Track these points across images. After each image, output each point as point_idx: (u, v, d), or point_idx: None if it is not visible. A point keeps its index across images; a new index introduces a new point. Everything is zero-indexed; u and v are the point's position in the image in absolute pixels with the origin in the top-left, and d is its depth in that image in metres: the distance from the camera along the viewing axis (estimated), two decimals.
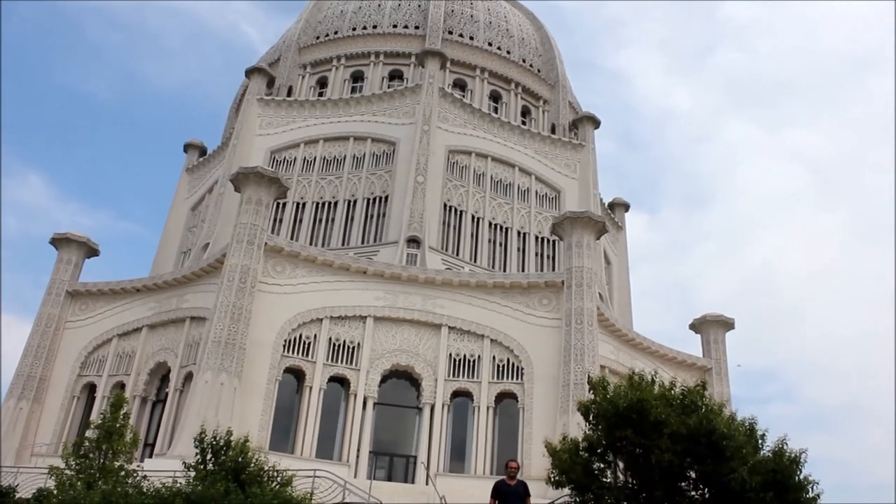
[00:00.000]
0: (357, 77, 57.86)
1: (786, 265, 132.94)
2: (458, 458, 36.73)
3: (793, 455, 18.19)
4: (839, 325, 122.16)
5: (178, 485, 20.06)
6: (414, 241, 45.26)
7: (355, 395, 36.54)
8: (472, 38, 59.56)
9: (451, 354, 38.18)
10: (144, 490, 20.16)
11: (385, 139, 50.88)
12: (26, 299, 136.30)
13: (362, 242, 47.13)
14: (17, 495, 25.84)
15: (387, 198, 48.32)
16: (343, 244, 47.16)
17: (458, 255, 47.46)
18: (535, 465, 32.56)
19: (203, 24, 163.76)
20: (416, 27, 59.00)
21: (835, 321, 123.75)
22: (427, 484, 33.89)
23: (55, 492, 21.14)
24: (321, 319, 37.75)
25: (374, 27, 59.57)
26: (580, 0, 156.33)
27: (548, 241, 50.78)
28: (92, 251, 45.67)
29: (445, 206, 48.60)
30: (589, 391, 21.13)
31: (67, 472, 22.03)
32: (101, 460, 22.92)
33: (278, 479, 21.07)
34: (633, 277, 60.55)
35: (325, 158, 51.38)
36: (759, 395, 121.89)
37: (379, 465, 36.40)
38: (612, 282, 57.14)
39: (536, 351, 38.01)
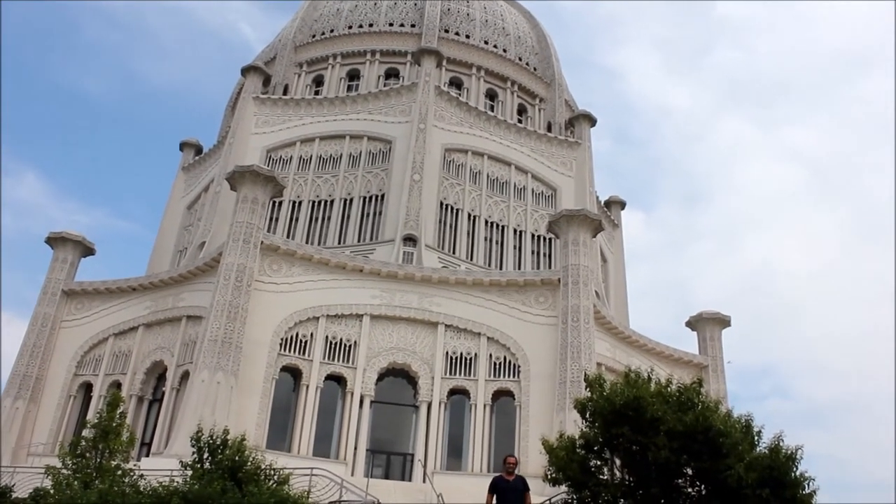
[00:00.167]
0: (353, 75, 57.81)
1: (783, 264, 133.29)
2: (455, 455, 36.75)
3: (789, 452, 18.20)
4: (836, 324, 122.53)
5: (175, 484, 20.02)
6: (410, 240, 45.27)
7: (352, 394, 36.55)
8: (468, 37, 59.55)
9: (447, 352, 38.20)
10: (141, 489, 20.09)
11: (381, 137, 50.86)
12: (22, 298, 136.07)
13: (358, 241, 47.13)
14: (14, 495, 25.77)
15: (383, 196, 48.32)
16: (339, 243, 47.14)
17: (454, 253, 47.49)
18: (531, 463, 32.56)
19: (200, 23, 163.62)
20: (413, 25, 58.97)
21: (832, 319, 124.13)
22: (424, 482, 33.95)
23: (52, 491, 21.08)
24: (318, 318, 37.75)
25: (371, 25, 59.52)
26: None
27: (544, 239, 50.81)
28: (88, 250, 45.62)
29: (442, 204, 48.61)
30: (585, 388, 21.11)
31: (64, 471, 21.95)
32: (98, 459, 22.84)
33: (275, 477, 21.02)
34: (629, 275, 60.69)
35: (321, 157, 51.35)
36: (755, 392, 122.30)
37: (376, 464, 36.39)
38: (609, 280, 57.21)
39: (533, 349, 38.05)
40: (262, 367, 35.62)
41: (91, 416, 34.10)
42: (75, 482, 21.06)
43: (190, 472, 20.75)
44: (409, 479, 35.53)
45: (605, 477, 19.65)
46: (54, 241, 44.82)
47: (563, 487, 20.29)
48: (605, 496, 18.91)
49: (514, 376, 37.89)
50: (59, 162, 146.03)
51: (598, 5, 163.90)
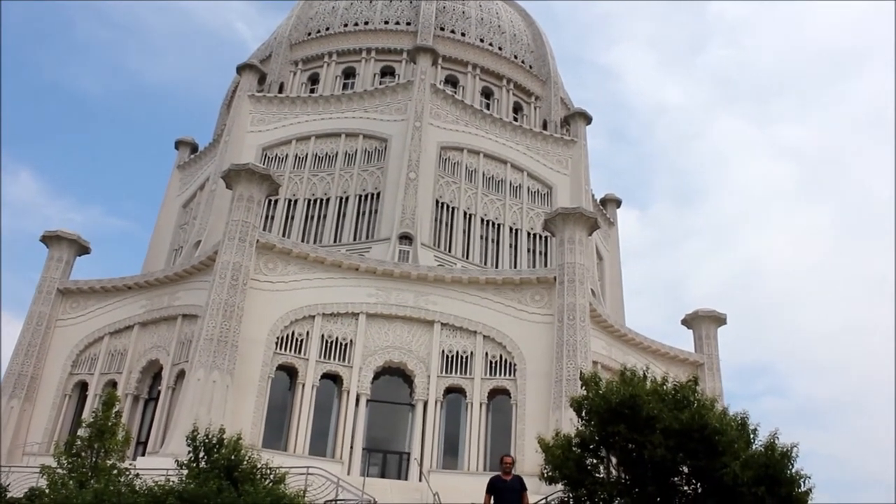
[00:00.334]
0: (349, 73, 57.73)
1: (777, 261, 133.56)
2: (451, 454, 36.76)
3: (784, 449, 18.22)
4: (831, 320, 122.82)
5: (171, 483, 20.00)
6: (406, 238, 45.24)
7: (348, 392, 36.54)
8: (463, 35, 59.51)
9: (443, 351, 38.21)
10: (137, 488, 20.08)
11: (377, 136, 50.82)
12: (17, 297, 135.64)
13: (354, 239, 47.09)
14: (9, 494, 25.73)
15: (378, 194, 48.27)
16: (335, 241, 47.10)
17: (450, 251, 47.49)
18: (527, 461, 32.59)
19: (196, 22, 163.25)
20: (408, 23, 58.90)
21: (827, 316, 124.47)
22: (420, 480, 33.97)
23: (47, 491, 21.05)
24: (313, 316, 37.72)
25: (366, 23, 59.43)
26: None
27: (540, 237, 50.84)
28: (83, 249, 45.50)
29: (437, 202, 48.60)
30: (581, 387, 21.12)
31: (59, 470, 21.93)
32: (94, 459, 22.81)
33: (271, 476, 21.00)
34: (624, 273, 60.78)
35: (316, 155, 51.29)
36: (751, 390, 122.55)
37: (372, 462, 36.41)
38: (605, 278, 57.28)
39: (529, 347, 38.06)
40: (257, 365, 35.57)
41: (86, 415, 34.04)
42: (71, 481, 21.03)
43: (186, 472, 20.72)
44: (406, 478, 35.54)
45: (602, 475, 19.66)
46: (49, 239, 44.70)
47: (560, 486, 20.29)
48: (601, 494, 18.92)
49: (510, 375, 37.90)
50: (54, 160, 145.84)
51: (593, 4, 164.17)
